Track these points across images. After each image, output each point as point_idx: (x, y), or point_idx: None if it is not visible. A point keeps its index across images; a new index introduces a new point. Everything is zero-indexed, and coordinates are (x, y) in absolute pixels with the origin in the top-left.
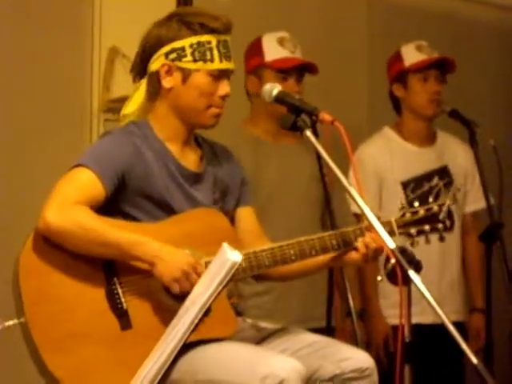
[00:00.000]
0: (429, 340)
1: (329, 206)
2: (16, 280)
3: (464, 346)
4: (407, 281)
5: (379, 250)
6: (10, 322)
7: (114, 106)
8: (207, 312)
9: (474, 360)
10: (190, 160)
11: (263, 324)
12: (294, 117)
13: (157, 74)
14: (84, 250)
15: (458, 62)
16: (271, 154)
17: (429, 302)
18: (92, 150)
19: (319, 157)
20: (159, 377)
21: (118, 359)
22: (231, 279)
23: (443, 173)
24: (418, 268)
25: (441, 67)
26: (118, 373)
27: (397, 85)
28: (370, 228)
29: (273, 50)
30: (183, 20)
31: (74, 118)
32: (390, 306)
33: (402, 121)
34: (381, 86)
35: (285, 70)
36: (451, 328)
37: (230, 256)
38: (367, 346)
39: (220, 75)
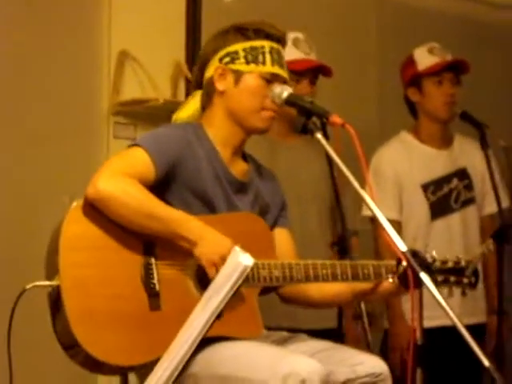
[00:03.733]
0: (451, 342)
1: (339, 208)
2: (56, 240)
3: (476, 348)
4: (419, 283)
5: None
6: (42, 283)
7: (124, 108)
8: (219, 315)
9: (486, 362)
10: (238, 169)
11: (277, 333)
12: (305, 119)
13: (211, 78)
14: (130, 220)
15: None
16: (281, 153)
17: (440, 304)
18: (150, 134)
19: (330, 159)
20: (173, 379)
21: (141, 339)
22: (266, 290)
23: (462, 175)
24: (429, 271)
25: (454, 69)
26: (139, 352)
27: (412, 89)
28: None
29: (287, 50)
30: (239, 28)
31: (84, 120)
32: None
33: (418, 124)
34: (391, 88)
35: (298, 72)
36: (463, 330)
37: (242, 260)
38: (391, 350)
39: (272, 79)
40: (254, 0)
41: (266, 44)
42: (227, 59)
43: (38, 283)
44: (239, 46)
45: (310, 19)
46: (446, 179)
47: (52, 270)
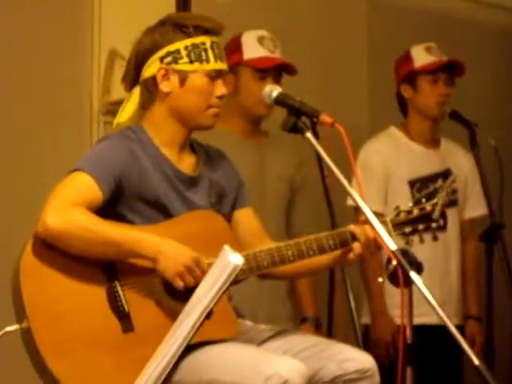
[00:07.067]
0: (431, 341)
1: (330, 207)
2: (17, 284)
3: (466, 347)
4: (409, 282)
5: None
6: (12, 328)
7: (114, 108)
8: (209, 315)
9: (476, 361)
10: (186, 164)
11: (263, 326)
12: (295, 119)
13: (153, 79)
14: (85, 251)
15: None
16: (242, 150)
17: (430, 304)
18: (89, 154)
19: (320, 158)
20: (161, 381)
21: (120, 362)
22: (233, 282)
23: (447, 176)
24: (419, 269)
25: (449, 70)
26: (120, 376)
27: (405, 85)
28: (366, 222)
29: (252, 48)
30: (176, 23)
31: (74, 120)
32: (394, 306)
33: (408, 121)
34: (381, 88)
35: (262, 70)
36: (453, 329)
37: (232, 259)
38: (375, 345)
39: (216, 76)
40: (244, 0)
41: (207, 40)
42: (169, 59)
43: (8, 329)
44: (180, 45)
45: (300, 19)
46: (431, 178)
47: (20, 313)
